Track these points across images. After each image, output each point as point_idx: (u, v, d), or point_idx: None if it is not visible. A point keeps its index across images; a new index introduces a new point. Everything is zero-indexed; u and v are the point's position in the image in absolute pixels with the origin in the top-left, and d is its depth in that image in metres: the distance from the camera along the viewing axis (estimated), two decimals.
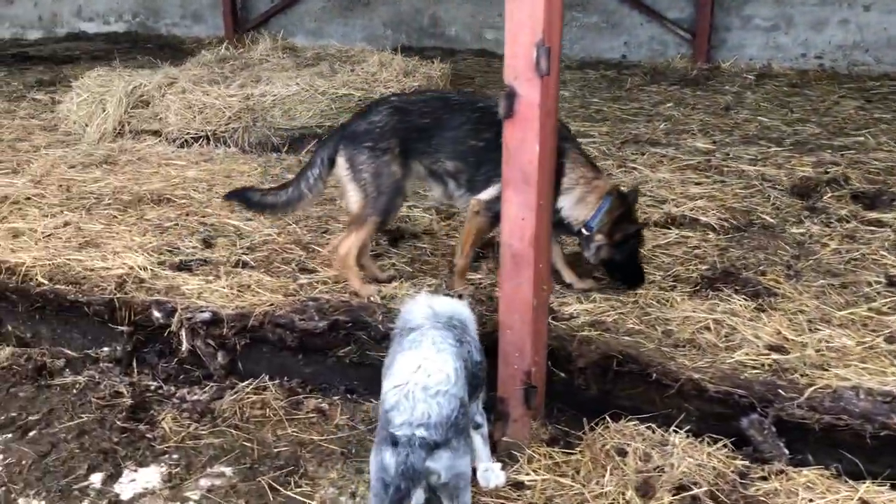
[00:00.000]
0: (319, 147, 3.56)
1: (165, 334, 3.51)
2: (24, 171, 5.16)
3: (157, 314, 3.48)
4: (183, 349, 3.45)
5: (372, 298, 3.37)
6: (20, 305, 3.75)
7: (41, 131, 6.11)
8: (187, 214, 4.43)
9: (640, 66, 8.36)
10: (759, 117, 6.20)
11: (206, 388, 3.40)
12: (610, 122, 6.17)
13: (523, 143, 2.45)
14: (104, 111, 5.85)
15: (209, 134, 5.52)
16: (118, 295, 3.56)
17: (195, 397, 3.35)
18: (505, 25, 2.43)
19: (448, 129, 3.33)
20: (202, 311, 3.42)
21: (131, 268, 3.74)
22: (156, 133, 5.72)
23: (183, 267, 3.79)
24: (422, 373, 2.25)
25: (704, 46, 8.15)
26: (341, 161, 3.35)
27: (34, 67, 8.77)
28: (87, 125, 5.92)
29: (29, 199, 4.63)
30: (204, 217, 4.40)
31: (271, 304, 3.40)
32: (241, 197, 3.76)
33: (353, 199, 3.38)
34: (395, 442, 2.16)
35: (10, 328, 3.82)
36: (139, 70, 6.87)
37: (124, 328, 3.55)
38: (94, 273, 3.73)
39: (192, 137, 5.56)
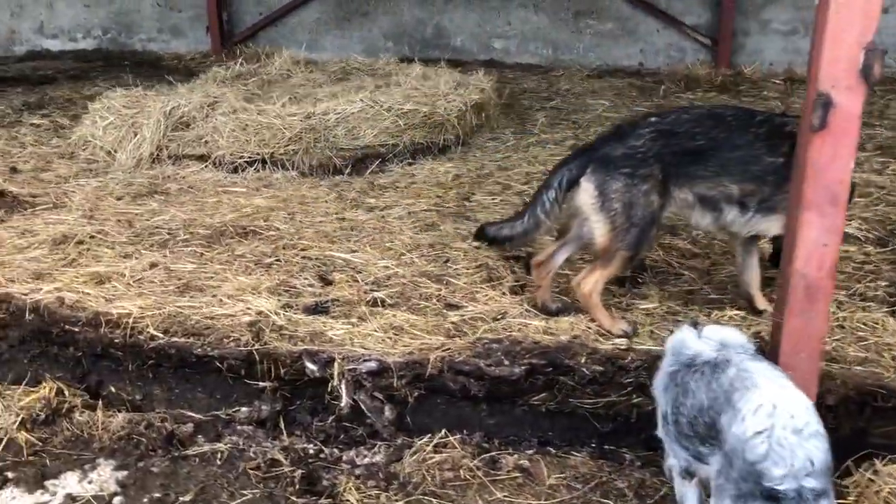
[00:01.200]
0: (557, 169, 3.17)
1: (316, 388, 3.06)
2: (68, 205, 4.57)
3: (310, 366, 3.02)
4: (342, 404, 3.00)
5: (626, 335, 3.04)
6: (129, 364, 3.23)
7: (60, 159, 5.48)
8: (283, 248, 3.96)
9: (660, 73, 8.20)
10: None
11: (376, 448, 2.96)
12: None
13: (835, 159, 2.14)
14: (135, 135, 5.28)
15: (266, 157, 5.03)
16: (256, 346, 3.09)
17: (368, 460, 2.91)
18: (816, 26, 2.11)
19: (732, 148, 2.97)
20: (366, 361, 2.99)
21: (259, 313, 3.27)
22: (201, 158, 5.18)
23: (319, 310, 3.33)
24: (783, 413, 1.93)
25: (727, 52, 8.04)
26: (588, 187, 2.96)
27: (10, 89, 8.01)
28: (113, 151, 5.33)
29: (93, 237, 4.07)
30: (303, 250, 3.94)
31: (447, 349, 3.00)
32: (481, 235, 3.61)
33: (599, 230, 3.00)
34: (772, 497, 1.83)
35: (113, 390, 3.29)
36: (154, 88, 6.30)
37: (267, 384, 3.08)
38: (215, 321, 3.24)
39: (245, 161, 5.06)
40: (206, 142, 5.15)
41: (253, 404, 3.11)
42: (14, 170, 5.23)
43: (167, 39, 9.92)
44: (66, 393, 3.22)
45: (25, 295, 3.43)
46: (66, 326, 3.30)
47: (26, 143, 5.87)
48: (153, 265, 3.74)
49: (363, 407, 3.00)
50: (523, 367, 2.86)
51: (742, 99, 6.93)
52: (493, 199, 4.61)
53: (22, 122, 6.56)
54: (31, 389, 3.25)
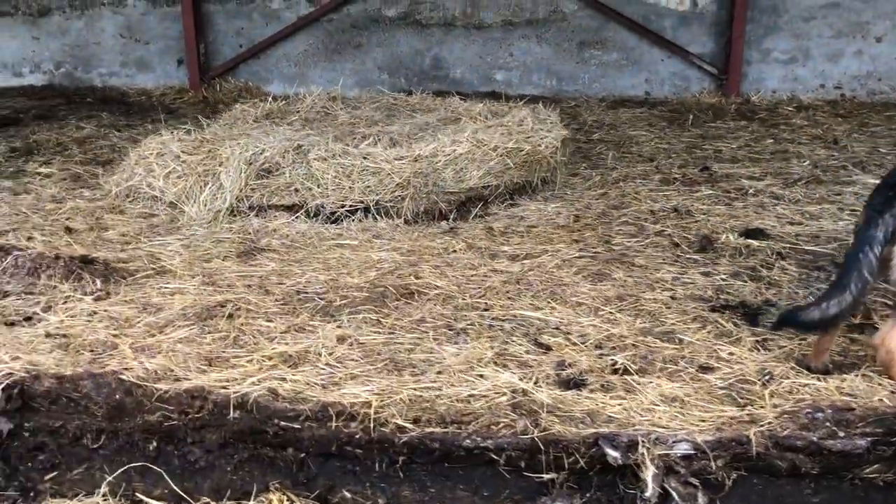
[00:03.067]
0: (876, 217, 2.85)
1: (603, 477, 2.67)
2: (172, 270, 3.94)
3: (612, 452, 2.63)
4: (648, 494, 2.63)
5: None
6: (370, 463, 2.73)
7: (108, 214, 4.79)
8: (460, 308, 3.53)
9: (668, 103, 8.23)
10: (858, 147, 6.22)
11: None
12: (743, 163, 5.88)
13: None
14: (207, 185, 4.68)
15: (370, 205, 4.55)
16: (536, 433, 2.67)
17: None
18: None
19: None
20: (677, 442, 2.63)
21: (516, 392, 2.85)
22: (290, 208, 4.64)
23: (575, 383, 2.94)
24: None
25: (737, 80, 8.15)
26: None
27: None
28: (179, 203, 4.71)
29: (240, 308, 3.49)
30: (486, 311, 3.52)
31: (764, 423, 2.69)
32: (791, 322, 3.01)
33: None
34: None
35: (348, 495, 2.77)
36: (176, 129, 5.67)
37: (553, 475, 2.67)
38: (466, 405, 2.80)
39: (347, 211, 4.56)
40: (297, 190, 4.61)
41: (537, 500, 2.68)
42: (69, 230, 4.51)
43: (131, 74, 9.12)
44: None
45: (223, 388, 2.86)
46: (283, 423, 2.77)
47: (53, 197, 5.11)
48: (341, 339, 3.22)
49: (675, 495, 2.64)
50: (867, 439, 2.59)
51: (779, 128, 6.99)
52: (638, 240, 4.34)
53: (26, 172, 5.76)
54: None
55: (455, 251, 4.24)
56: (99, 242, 4.32)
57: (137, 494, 2.83)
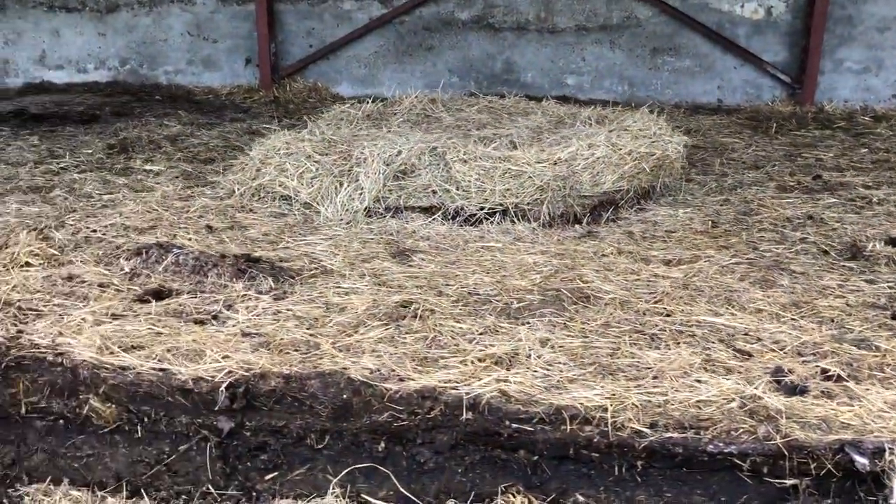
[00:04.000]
0: None
1: (842, 483, 2.68)
2: (334, 270, 3.92)
3: (859, 459, 2.63)
4: (894, 501, 2.63)
5: None
6: (610, 466, 2.72)
7: (240, 214, 4.76)
8: (644, 314, 3.53)
9: (742, 110, 8.26)
10: None
11: None
12: (850, 171, 5.90)
13: None
14: (339, 185, 4.67)
15: (510, 208, 4.55)
16: (780, 439, 2.67)
17: None
18: None
19: None
20: None
21: (746, 397, 2.85)
22: (426, 210, 4.63)
23: (802, 389, 2.94)
24: None
25: (812, 89, 8.19)
26: None
27: (59, 129, 7.00)
28: (314, 203, 4.69)
29: (424, 308, 3.48)
30: (668, 316, 3.52)
31: None
32: None
33: None
34: None
35: (581, 499, 2.76)
36: (274, 131, 5.65)
37: (796, 481, 2.67)
38: (697, 411, 2.79)
39: (486, 214, 4.56)
40: (434, 191, 4.60)
41: None
42: (210, 228, 4.48)
43: (198, 72, 9.08)
44: None
45: (451, 388, 2.84)
46: (516, 425, 2.76)
47: (178, 195, 5.08)
48: (544, 342, 3.21)
49: None
50: None
51: (867, 137, 7.03)
52: (786, 247, 4.34)
53: (134, 170, 5.72)
54: None
55: (605, 255, 4.23)
56: (247, 242, 4.29)
57: (363, 496, 2.82)
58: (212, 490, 2.86)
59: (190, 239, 4.27)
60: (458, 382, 2.89)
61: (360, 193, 4.61)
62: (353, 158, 4.70)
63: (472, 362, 3.03)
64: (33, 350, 3.01)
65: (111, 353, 3.03)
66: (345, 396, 2.85)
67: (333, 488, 2.78)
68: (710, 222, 4.72)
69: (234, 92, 8.84)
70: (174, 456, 2.91)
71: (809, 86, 8.17)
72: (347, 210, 4.61)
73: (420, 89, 8.57)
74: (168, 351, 3.07)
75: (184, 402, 2.90)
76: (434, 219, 4.59)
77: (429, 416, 2.80)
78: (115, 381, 2.91)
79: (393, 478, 2.81)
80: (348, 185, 4.63)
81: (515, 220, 4.59)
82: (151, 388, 2.89)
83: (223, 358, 3.02)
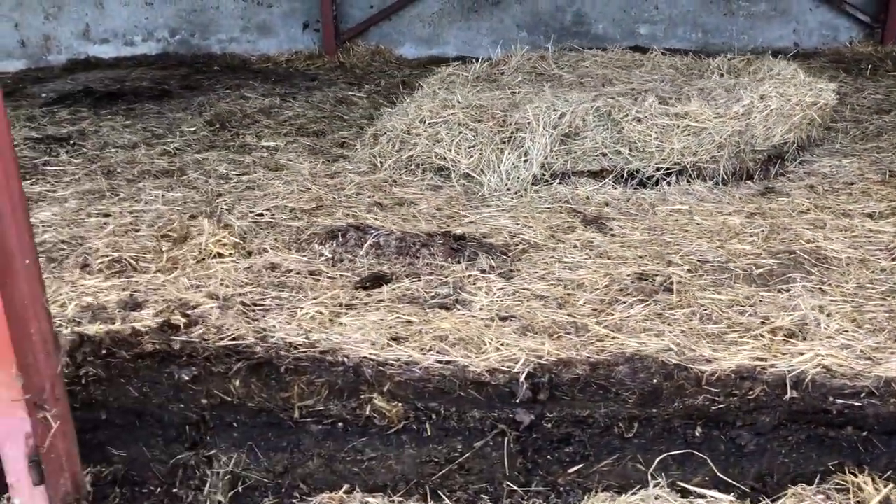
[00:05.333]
0: None
1: None
2: (536, 243, 3.73)
3: None
4: None
5: None
6: None
7: (397, 188, 4.53)
8: (891, 271, 3.38)
9: (822, 54, 8.07)
10: None
11: None
12: None
13: None
14: (501, 153, 4.44)
15: (688, 167, 4.36)
16: None
17: None
18: None
19: None
20: None
21: None
22: (595, 174, 4.43)
23: None
24: None
25: (894, 28, 8.01)
26: None
27: (137, 107, 6.65)
28: (474, 173, 4.47)
29: (667, 279, 3.30)
30: None
31: None
32: None
33: None
34: None
35: None
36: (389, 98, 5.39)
37: None
38: None
39: (662, 174, 4.37)
40: (604, 154, 4.40)
41: None
42: (380, 205, 4.25)
43: (253, 39, 8.70)
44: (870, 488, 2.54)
45: (768, 365, 2.68)
46: (842, 401, 2.62)
47: (325, 172, 4.82)
48: (820, 308, 3.06)
49: None
50: None
51: None
52: None
53: (251, 146, 5.44)
54: (824, 489, 2.55)
55: (803, 211, 4.08)
56: (422, 217, 4.07)
57: (679, 483, 2.67)
58: (514, 487, 2.70)
59: (370, 218, 4.05)
60: (761, 359, 2.74)
61: (526, 160, 4.39)
62: (513, 123, 4.46)
63: (763, 336, 2.88)
64: (307, 350, 2.81)
65: (384, 347, 2.83)
66: (655, 381, 2.69)
67: (660, 478, 2.62)
68: (887, 172, 4.57)
69: (293, 59, 8.47)
70: (468, 454, 2.74)
71: (892, 25, 8.00)
72: (512, 179, 4.39)
73: (487, 47, 8.34)
74: (441, 341, 2.88)
75: (477, 395, 2.72)
76: (605, 183, 4.39)
77: (749, 397, 2.64)
78: (401, 378, 2.72)
79: (710, 463, 2.66)
80: (510, 153, 4.41)
81: (692, 179, 4.41)
82: (443, 382, 2.71)
83: (503, 346, 2.83)
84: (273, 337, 2.93)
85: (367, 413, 2.74)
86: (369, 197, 4.39)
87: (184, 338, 2.88)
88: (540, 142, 4.35)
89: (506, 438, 2.71)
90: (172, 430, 2.84)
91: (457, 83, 5.66)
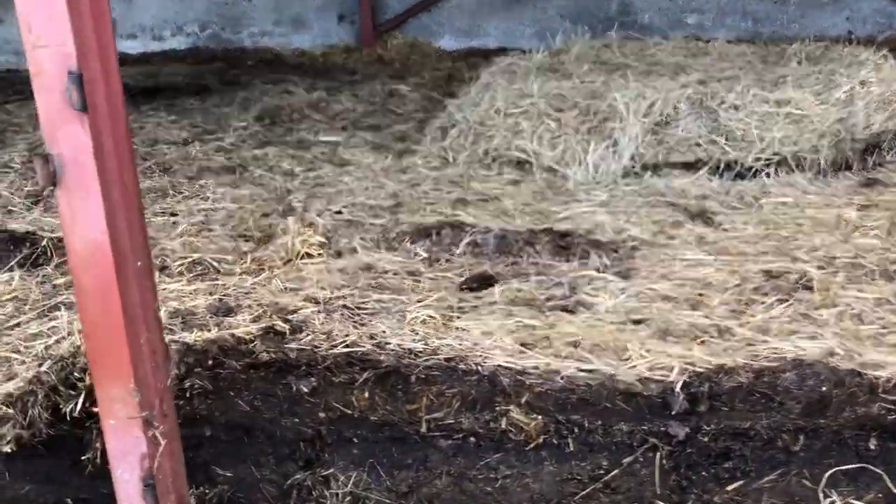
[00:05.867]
0: None
1: None
2: (651, 241, 3.49)
3: None
4: None
5: None
6: None
7: (472, 182, 4.28)
8: None
9: (877, 42, 7.82)
10: None
11: None
12: None
13: None
14: (587, 143, 4.20)
15: (788, 157, 4.11)
16: None
17: None
18: None
19: None
20: None
21: None
22: (688, 166, 4.19)
23: None
24: None
25: None
26: None
27: (178, 103, 6.39)
28: (558, 166, 4.22)
29: (803, 276, 3.06)
30: None
31: None
32: None
33: None
34: None
35: None
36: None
37: None
38: None
39: (762, 165, 4.12)
40: (699, 143, 4.15)
41: None
42: (463, 201, 4.00)
43: (286, 33, 8.46)
44: None
45: None
46: None
47: (400, 168, 4.57)
48: None
49: None
50: None
51: None
52: None
53: (310, 142, 5.19)
54: None
55: None
56: (511, 213, 3.82)
57: (851, 501, 2.42)
58: None
59: (461, 215, 3.80)
60: None
61: (615, 152, 4.14)
62: (599, 113, 4.22)
63: None
64: (429, 358, 2.56)
65: (515, 354, 2.59)
66: (823, 389, 2.44)
67: (825, 495, 2.38)
68: None
69: (330, 52, 8.23)
70: (615, 471, 2.49)
71: None
72: (601, 171, 4.15)
73: (529, 38, 8.11)
74: (573, 347, 2.63)
75: (625, 407, 2.47)
76: (699, 175, 4.14)
77: None
78: (541, 389, 2.47)
79: (886, 478, 2.42)
80: (596, 144, 4.16)
81: (791, 170, 4.16)
82: (588, 393, 2.46)
83: (648, 352, 2.59)
84: (389, 343, 2.68)
85: (503, 427, 2.50)
86: (447, 193, 4.14)
87: (296, 345, 2.63)
88: (631, 132, 4.10)
89: (657, 453, 2.47)
90: (285, 448, 2.60)
91: (518, 73, 5.41)
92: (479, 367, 2.49)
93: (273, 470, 2.60)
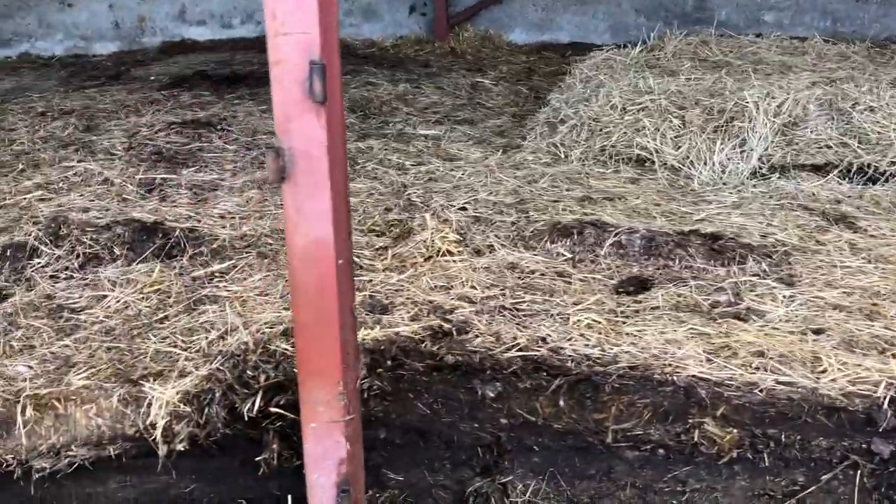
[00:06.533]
0: None
1: None
2: (803, 246, 3.37)
3: None
4: None
5: None
6: None
7: (598, 182, 4.17)
8: None
9: None
10: None
11: None
12: None
13: None
14: (712, 143, 4.08)
15: None
16: None
17: None
18: None
19: None
20: None
21: None
22: (816, 168, 4.07)
23: None
24: None
25: None
26: None
27: (262, 93, 6.30)
28: (691, 165, 4.11)
29: None
30: None
31: None
32: None
33: None
34: None
35: None
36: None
37: None
38: None
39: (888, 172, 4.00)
40: (829, 146, 4.03)
41: None
42: (589, 199, 3.90)
43: (356, 24, 8.36)
44: None
45: None
46: None
47: (515, 164, 4.47)
48: None
49: None
50: None
51: None
52: None
53: (409, 135, 5.10)
54: None
55: None
56: (641, 213, 3.72)
57: None
58: None
59: (597, 213, 3.70)
60: None
61: (743, 152, 4.02)
62: (722, 112, 4.10)
63: None
64: (606, 366, 2.46)
65: (703, 364, 2.49)
66: None
67: None
68: None
69: (400, 44, 8.12)
70: (812, 487, 2.39)
71: None
72: (728, 172, 4.03)
73: (602, 33, 7.99)
74: (759, 356, 2.53)
75: (826, 422, 2.37)
76: (829, 178, 4.02)
77: None
78: (739, 401, 2.37)
79: None
80: (723, 143, 4.05)
81: None
82: (788, 407, 2.36)
83: (844, 365, 2.48)
84: (564, 349, 2.59)
85: (695, 439, 2.40)
86: (567, 190, 4.04)
87: (472, 347, 2.54)
88: (761, 132, 3.99)
89: (858, 471, 2.37)
90: (461, 453, 2.52)
91: (616, 69, 5.30)
92: (675, 378, 2.39)
93: (448, 475, 2.52)
